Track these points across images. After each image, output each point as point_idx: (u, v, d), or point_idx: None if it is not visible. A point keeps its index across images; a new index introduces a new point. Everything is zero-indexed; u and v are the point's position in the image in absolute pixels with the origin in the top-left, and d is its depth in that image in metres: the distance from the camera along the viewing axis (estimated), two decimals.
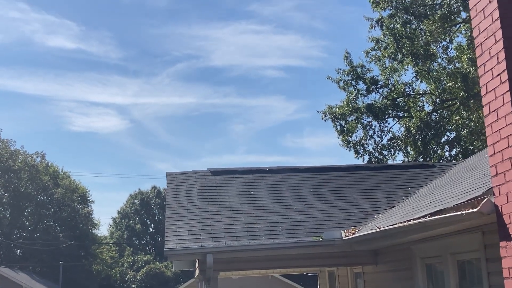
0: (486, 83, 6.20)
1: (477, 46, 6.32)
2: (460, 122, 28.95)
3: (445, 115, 30.36)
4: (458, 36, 30.34)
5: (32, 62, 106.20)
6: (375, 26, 30.97)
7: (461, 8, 28.02)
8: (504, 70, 5.80)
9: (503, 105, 5.83)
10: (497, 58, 5.91)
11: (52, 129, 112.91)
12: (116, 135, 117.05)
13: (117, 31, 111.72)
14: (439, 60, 30.61)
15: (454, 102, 29.30)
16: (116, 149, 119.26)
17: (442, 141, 29.95)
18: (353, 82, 31.61)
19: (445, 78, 29.53)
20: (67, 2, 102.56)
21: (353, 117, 31.37)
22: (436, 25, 28.30)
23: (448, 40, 30.11)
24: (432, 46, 29.91)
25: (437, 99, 30.69)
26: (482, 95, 6.30)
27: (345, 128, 31.38)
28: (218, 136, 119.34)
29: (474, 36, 6.39)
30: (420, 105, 31.83)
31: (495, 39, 5.96)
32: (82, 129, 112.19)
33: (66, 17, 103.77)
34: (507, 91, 5.75)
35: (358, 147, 31.37)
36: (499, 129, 5.87)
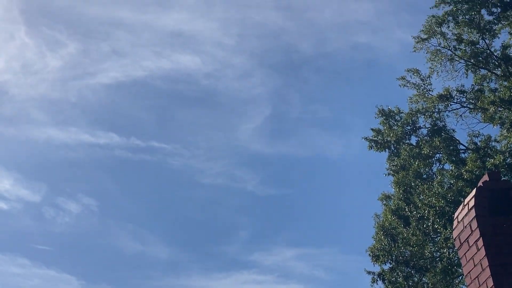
0: None
1: None
2: None
3: None
4: None
5: None
6: (377, 280, 30.86)
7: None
8: None
9: None
10: None
11: None
12: None
13: (117, 284, 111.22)
14: None
15: None
16: None
17: None
18: None
19: None
20: (68, 256, 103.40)
21: None
22: (438, 277, 28.24)
23: None
24: None
25: None
26: None
27: None
28: None
29: None
30: None
31: None
32: None
33: (66, 271, 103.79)
34: None
35: None
36: None
